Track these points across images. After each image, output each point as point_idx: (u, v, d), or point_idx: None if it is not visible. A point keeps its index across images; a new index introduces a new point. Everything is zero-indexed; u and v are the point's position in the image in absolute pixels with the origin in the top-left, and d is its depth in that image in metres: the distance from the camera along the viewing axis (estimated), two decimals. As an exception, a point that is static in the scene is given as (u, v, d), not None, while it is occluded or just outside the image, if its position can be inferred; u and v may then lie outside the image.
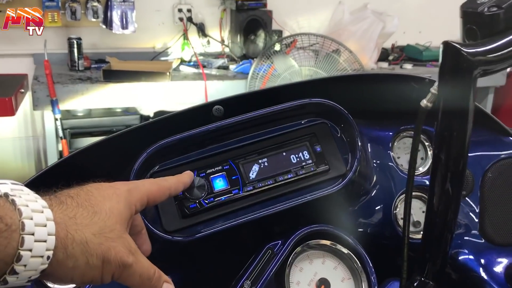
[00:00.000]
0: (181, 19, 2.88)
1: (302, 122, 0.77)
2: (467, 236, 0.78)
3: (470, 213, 0.79)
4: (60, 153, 2.38)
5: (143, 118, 2.71)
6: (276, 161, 0.74)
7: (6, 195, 0.42)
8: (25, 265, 0.40)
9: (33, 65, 2.66)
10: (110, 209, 0.48)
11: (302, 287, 0.67)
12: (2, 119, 2.27)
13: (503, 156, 0.81)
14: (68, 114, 2.57)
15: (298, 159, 0.74)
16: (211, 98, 2.37)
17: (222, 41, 2.98)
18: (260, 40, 2.82)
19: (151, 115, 2.69)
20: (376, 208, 0.79)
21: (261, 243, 0.70)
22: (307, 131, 0.76)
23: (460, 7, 0.58)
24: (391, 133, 0.84)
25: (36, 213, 0.41)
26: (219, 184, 0.71)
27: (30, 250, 0.40)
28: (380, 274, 0.69)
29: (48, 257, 0.41)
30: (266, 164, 0.73)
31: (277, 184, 0.72)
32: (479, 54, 0.53)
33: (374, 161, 0.81)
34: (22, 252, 0.40)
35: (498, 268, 0.75)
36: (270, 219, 0.69)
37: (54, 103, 2.21)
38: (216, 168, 0.72)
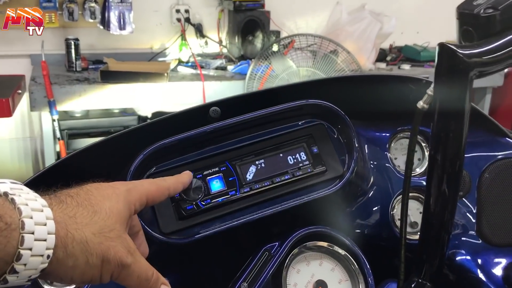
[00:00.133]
0: (178, 20, 2.88)
1: (299, 123, 0.77)
2: (464, 237, 0.79)
3: (467, 214, 0.79)
4: (58, 154, 2.37)
5: (141, 119, 2.71)
6: (273, 162, 0.73)
7: (5, 194, 0.42)
8: (25, 264, 0.40)
9: (31, 66, 2.65)
10: (110, 208, 0.48)
11: (299, 288, 0.67)
12: (-1, 120, 2.27)
13: (500, 157, 0.81)
14: (65, 115, 2.57)
15: (295, 160, 0.74)
16: (209, 99, 2.37)
17: (220, 42, 2.98)
18: (258, 40, 2.82)
19: (149, 116, 2.69)
20: (373, 209, 0.79)
21: (258, 244, 0.70)
22: (304, 132, 0.76)
23: (456, 9, 0.58)
24: (388, 134, 0.84)
25: (36, 212, 0.41)
26: (216, 185, 0.71)
27: (30, 249, 0.40)
28: (377, 275, 0.68)
29: (48, 256, 0.41)
30: (263, 165, 0.73)
31: (274, 185, 0.72)
32: (475, 56, 0.54)
33: (371, 162, 0.81)
34: (22, 251, 0.40)
35: (495, 269, 0.75)
36: (267, 220, 0.69)
37: (51, 104, 2.21)
38: (213, 170, 0.71)
